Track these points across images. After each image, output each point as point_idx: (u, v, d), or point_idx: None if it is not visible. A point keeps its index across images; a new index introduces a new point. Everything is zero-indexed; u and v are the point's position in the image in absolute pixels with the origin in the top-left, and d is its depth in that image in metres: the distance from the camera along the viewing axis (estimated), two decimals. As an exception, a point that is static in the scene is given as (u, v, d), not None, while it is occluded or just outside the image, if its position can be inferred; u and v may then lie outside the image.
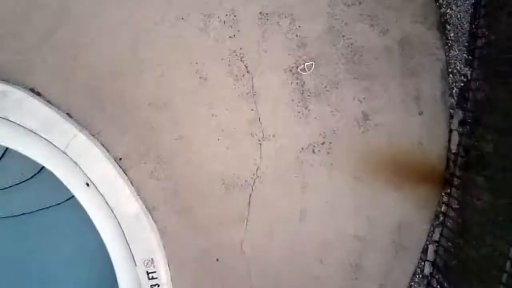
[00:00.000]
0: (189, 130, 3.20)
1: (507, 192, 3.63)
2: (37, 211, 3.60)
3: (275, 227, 3.31)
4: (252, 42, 3.21)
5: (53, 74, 3.21)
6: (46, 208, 3.58)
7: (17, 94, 3.28)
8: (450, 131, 3.29)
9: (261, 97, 3.20)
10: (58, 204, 3.53)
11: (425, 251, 3.42)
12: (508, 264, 3.18)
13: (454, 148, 3.32)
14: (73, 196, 3.36)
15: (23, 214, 3.68)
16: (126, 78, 3.20)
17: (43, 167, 3.45)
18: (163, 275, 3.23)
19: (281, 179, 3.24)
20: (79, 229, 3.51)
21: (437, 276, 3.43)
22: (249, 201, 3.26)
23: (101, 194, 3.18)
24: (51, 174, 3.41)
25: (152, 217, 3.23)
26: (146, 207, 3.19)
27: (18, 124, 3.23)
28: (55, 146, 3.19)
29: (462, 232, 3.52)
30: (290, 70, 3.26)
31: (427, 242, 3.42)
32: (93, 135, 3.17)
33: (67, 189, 3.38)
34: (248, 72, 3.29)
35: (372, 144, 3.23)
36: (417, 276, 3.47)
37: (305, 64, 3.23)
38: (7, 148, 3.44)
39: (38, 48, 3.15)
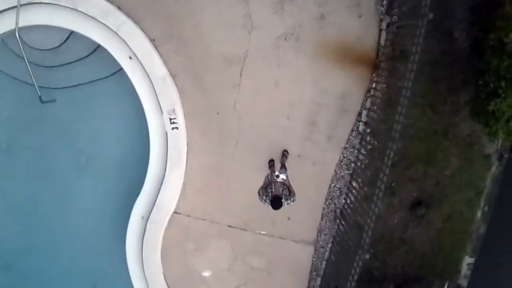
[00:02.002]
0: (202, 21, 4.91)
1: (419, 78, 5.40)
2: (92, 81, 5.33)
3: (258, 91, 5.13)
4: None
5: None
6: (100, 79, 5.31)
7: None
8: (380, 30, 5.01)
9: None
10: (109, 76, 5.27)
11: (360, 114, 5.22)
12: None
13: (382, 43, 5.06)
14: (120, 69, 5.12)
15: (79, 84, 5.43)
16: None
17: (97, 47, 5.17)
18: (181, 121, 5.09)
19: (262, 58, 4.99)
20: (123, 94, 5.25)
21: (367, 132, 5.24)
22: (241, 72, 5.05)
23: (140, 63, 4.95)
24: (104, 52, 5.12)
25: (174, 81, 5.02)
26: (170, 74, 4.98)
27: (83, 13, 4.95)
28: (109, 28, 4.91)
29: (387, 102, 5.28)
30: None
31: (362, 108, 5.22)
32: (135, 22, 4.88)
33: (116, 63, 5.11)
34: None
35: (326, 36, 4.95)
36: (354, 132, 5.31)
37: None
38: (71, 32, 5.15)
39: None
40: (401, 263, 6.36)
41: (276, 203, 4.30)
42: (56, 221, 6.23)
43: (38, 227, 6.30)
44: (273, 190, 4.33)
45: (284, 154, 5.48)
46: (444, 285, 6.70)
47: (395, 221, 6.02)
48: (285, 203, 4.35)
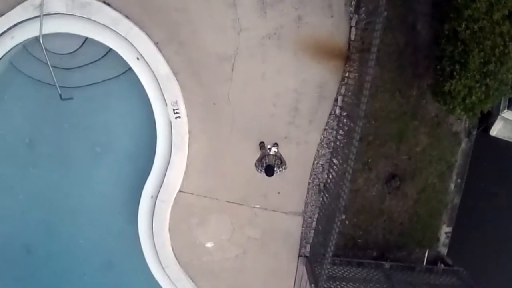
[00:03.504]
0: (198, 25, 5.98)
1: (387, 66, 6.47)
2: (105, 80, 6.40)
3: (248, 84, 6.21)
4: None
5: None
6: (112, 78, 6.38)
7: (96, 4, 6.00)
8: (350, 27, 6.06)
9: (240, 6, 5.93)
10: (120, 75, 6.34)
11: (336, 100, 6.30)
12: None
13: (353, 38, 6.10)
14: (129, 68, 6.17)
15: (94, 83, 6.51)
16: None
17: (109, 51, 6.24)
18: (183, 111, 6.19)
19: (250, 55, 6.06)
20: (133, 90, 6.29)
21: (343, 115, 6.28)
22: (232, 68, 6.13)
23: (146, 63, 6.01)
24: (115, 55, 6.18)
25: (176, 78, 6.11)
26: (172, 71, 6.07)
27: (97, 21, 6.01)
28: (119, 34, 5.98)
29: (359, 89, 6.27)
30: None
31: (338, 94, 6.28)
32: (141, 29, 5.95)
33: (125, 64, 6.18)
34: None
35: (304, 34, 6.00)
36: (332, 115, 6.40)
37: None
38: (86, 38, 6.21)
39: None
40: (382, 232, 7.42)
41: (269, 170, 5.41)
42: (74, 205, 7.30)
43: (57, 211, 7.36)
44: (267, 161, 5.45)
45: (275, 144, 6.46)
46: (424, 253, 7.84)
47: (373, 194, 7.08)
48: (278, 170, 5.46)
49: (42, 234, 7.56)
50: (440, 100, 6.05)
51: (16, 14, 6.12)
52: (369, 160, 6.81)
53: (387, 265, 7.05)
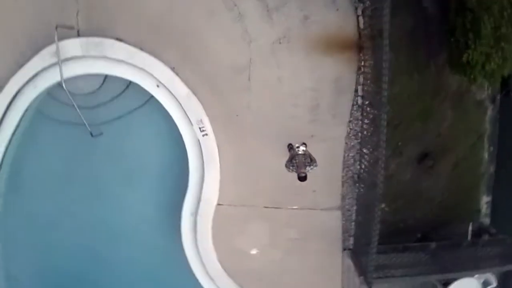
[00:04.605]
0: (208, 43, 6.20)
1: (401, 48, 6.45)
2: (130, 111, 6.70)
3: (266, 90, 6.37)
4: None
5: (127, 27, 6.24)
6: (137, 108, 6.68)
7: (108, 42, 6.29)
8: (357, 16, 6.13)
9: (246, 17, 6.12)
10: (143, 104, 6.64)
11: (356, 90, 6.39)
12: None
13: (361, 26, 6.18)
14: (151, 96, 6.45)
15: (120, 116, 6.82)
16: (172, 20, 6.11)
17: (130, 83, 6.53)
18: (209, 127, 6.41)
19: (264, 62, 6.23)
20: (158, 116, 6.56)
21: (366, 104, 6.35)
22: (249, 78, 6.31)
23: (166, 88, 6.28)
24: (136, 86, 6.47)
25: (197, 96, 6.34)
26: (192, 91, 6.30)
27: (113, 58, 6.32)
28: (136, 66, 6.26)
29: (376, 76, 6.35)
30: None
31: (357, 85, 6.37)
32: (156, 57, 6.19)
33: (147, 93, 6.43)
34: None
35: (313, 33, 6.12)
36: (355, 106, 6.47)
37: None
38: (106, 76, 6.54)
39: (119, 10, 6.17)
40: (422, 213, 7.46)
41: (301, 178, 5.58)
42: (117, 232, 7.60)
43: (101, 239, 7.66)
44: (297, 161, 5.58)
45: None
46: (468, 227, 7.77)
47: (408, 176, 7.15)
48: (309, 169, 5.60)
49: (89, 263, 7.87)
50: (460, 72, 6.08)
51: (35, 64, 6.49)
52: (399, 143, 6.85)
53: (433, 245, 7.02)
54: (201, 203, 6.84)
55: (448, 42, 6.08)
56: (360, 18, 6.13)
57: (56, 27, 5.99)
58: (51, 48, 6.28)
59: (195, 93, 6.34)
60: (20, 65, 6.54)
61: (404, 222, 7.44)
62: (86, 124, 6.48)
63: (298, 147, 5.90)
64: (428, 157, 6.97)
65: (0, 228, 7.56)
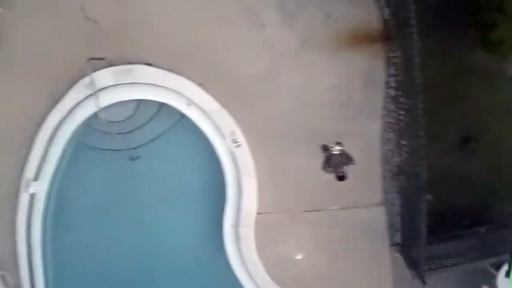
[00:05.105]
0: (232, 56, 6.35)
1: (428, 33, 6.29)
2: (165, 132, 6.88)
3: (294, 93, 6.42)
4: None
5: (153, 51, 6.45)
6: (169, 129, 6.86)
7: (138, 68, 6.51)
8: (381, 7, 6.10)
9: (268, 24, 6.21)
10: (177, 123, 6.81)
11: (387, 82, 6.32)
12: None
13: (386, 17, 6.13)
14: (184, 115, 6.62)
15: (156, 137, 7.01)
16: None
17: (162, 104, 6.70)
18: (241, 139, 6.54)
19: (290, 66, 6.33)
20: (192, 133, 6.71)
21: (399, 94, 6.25)
22: (276, 84, 6.38)
23: (197, 105, 6.46)
24: (168, 107, 6.65)
25: (227, 110, 6.47)
26: (222, 106, 6.44)
27: (143, 83, 6.52)
28: (165, 87, 6.47)
29: (405, 64, 6.17)
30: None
31: (387, 77, 6.30)
32: (184, 76, 6.38)
33: (179, 112, 6.61)
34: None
35: (337, 30, 6.18)
36: (387, 98, 6.40)
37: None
38: (139, 100, 6.75)
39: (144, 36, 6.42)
40: (468, 198, 7.24)
41: (340, 178, 5.56)
42: (162, 252, 7.74)
43: (148, 260, 7.83)
44: (334, 161, 5.56)
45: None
46: (515, 206, 7.43)
47: (450, 162, 6.96)
48: (347, 167, 5.56)
49: (138, 285, 8.10)
50: (490, 51, 6.01)
51: (71, 97, 6.80)
52: (436, 130, 6.70)
53: (482, 229, 6.84)
54: (241, 214, 6.93)
55: (475, 22, 5.99)
56: (384, 9, 6.10)
57: (88, 60, 6.30)
58: (85, 80, 6.60)
59: (225, 106, 6.48)
60: (57, 100, 6.88)
61: (450, 209, 7.19)
62: (124, 149, 6.81)
63: (333, 147, 5.89)
64: (470, 141, 6.79)
65: (50, 258, 7.82)
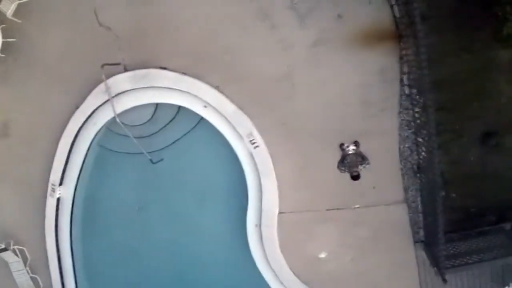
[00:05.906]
0: (247, 58, 6.48)
1: (443, 30, 6.24)
2: (184, 135, 7.08)
3: (311, 94, 6.52)
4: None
5: (169, 55, 6.67)
6: (188, 131, 7.05)
7: (154, 72, 6.75)
8: (392, 6, 6.08)
9: (280, 25, 6.30)
10: (195, 126, 6.98)
11: (402, 80, 6.30)
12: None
13: (398, 15, 6.11)
14: (201, 118, 6.81)
15: (176, 140, 7.20)
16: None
17: (179, 107, 6.92)
18: (259, 139, 6.67)
19: (304, 66, 6.42)
20: (210, 134, 6.91)
21: (414, 92, 6.20)
22: (292, 84, 6.49)
23: (214, 108, 6.64)
24: (185, 110, 6.86)
25: (243, 111, 6.61)
26: (238, 107, 6.59)
27: (160, 87, 6.73)
28: (182, 91, 6.66)
29: (420, 62, 6.08)
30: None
31: (402, 74, 6.28)
32: (200, 80, 6.59)
33: (197, 115, 6.81)
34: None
35: (349, 29, 6.21)
36: (403, 96, 6.38)
37: None
38: (157, 104, 6.97)
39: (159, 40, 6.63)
40: (492, 194, 7.07)
41: (354, 177, 5.59)
42: (191, 251, 7.99)
43: (178, 260, 8.11)
44: (349, 161, 5.58)
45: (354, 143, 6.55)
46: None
47: (472, 158, 6.83)
48: (361, 167, 5.58)
49: (170, 285, 8.33)
50: (505, 45, 5.93)
51: (90, 103, 7.13)
52: (457, 126, 6.62)
53: (507, 226, 6.71)
54: (263, 214, 7.06)
55: (491, 16, 5.89)
56: (395, 7, 6.08)
57: (103, 66, 6.51)
58: (102, 86, 6.85)
59: (241, 108, 6.62)
60: (77, 106, 7.24)
61: (475, 206, 7.10)
62: (145, 152, 6.96)
63: (348, 146, 5.90)
64: (491, 136, 6.66)
65: (80, 261, 8.21)
